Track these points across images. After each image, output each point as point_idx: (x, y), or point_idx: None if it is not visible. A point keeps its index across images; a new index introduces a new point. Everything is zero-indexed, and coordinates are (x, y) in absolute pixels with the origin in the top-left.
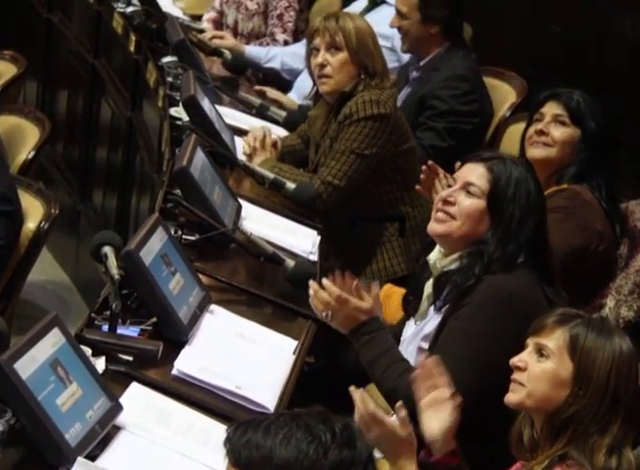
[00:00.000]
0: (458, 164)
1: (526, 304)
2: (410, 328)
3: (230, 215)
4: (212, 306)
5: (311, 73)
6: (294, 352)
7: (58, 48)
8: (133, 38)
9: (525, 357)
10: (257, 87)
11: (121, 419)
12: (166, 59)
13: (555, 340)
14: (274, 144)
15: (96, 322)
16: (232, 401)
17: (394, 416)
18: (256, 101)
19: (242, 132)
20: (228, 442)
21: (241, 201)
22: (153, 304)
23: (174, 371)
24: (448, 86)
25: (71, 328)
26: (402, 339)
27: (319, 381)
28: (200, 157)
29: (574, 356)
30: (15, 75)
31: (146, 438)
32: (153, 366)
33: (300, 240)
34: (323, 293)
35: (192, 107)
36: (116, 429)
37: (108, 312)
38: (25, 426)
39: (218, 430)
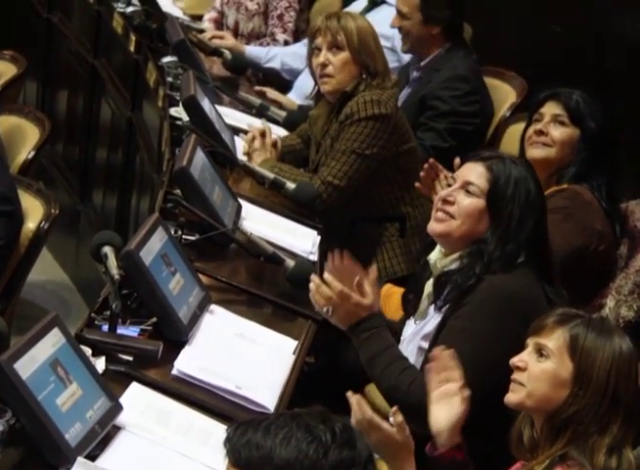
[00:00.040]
0: (457, 160)
1: (527, 303)
2: (410, 327)
3: (230, 215)
4: (212, 306)
5: (313, 73)
6: (294, 352)
7: (58, 48)
8: (133, 38)
9: (524, 357)
10: (257, 88)
11: (121, 419)
12: (166, 59)
13: (555, 340)
14: (274, 144)
15: (96, 322)
16: (232, 401)
17: (392, 417)
18: (256, 101)
19: (242, 132)
20: (228, 442)
21: (241, 201)
22: (153, 304)
23: (174, 371)
24: (449, 87)
25: (71, 328)
26: (402, 338)
27: (319, 381)
28: (200, 157)
29: (574, 356)
30: (15, 75)
31: (146, 438)
32: (153, 366)
33: (300, 240)
34: (325, 288)
35: (192, 107)
36: (116, 429)
37: (108, 312)
38: (25, 426)
39: (218, 430)
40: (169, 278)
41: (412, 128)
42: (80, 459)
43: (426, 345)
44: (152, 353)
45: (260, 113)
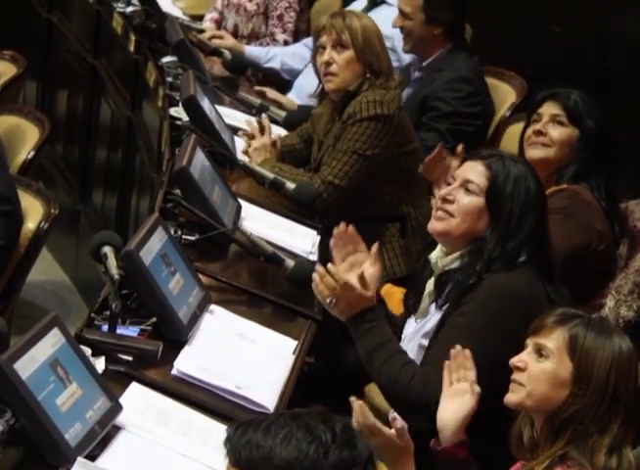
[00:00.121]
0: (460, 146)
1: (529, 302)
2: (411, 325)
3: (230, 215)
4: (212, 306)
5: (317, 71)
6: (294, 352)
7: (58, 48)
8: (133, 38)
9: (524, 357)
10: (257, 88)
11: (121, 419)
12: (166, 59)
13: (554, 340)
14: (274, 144)
15: (96, 322)
16: (232, 401)
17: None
18: (256, 101)
19: (241, 130)
20: (228, 442)
21: (241, 201)
22: (152, 304)
23: (174, 371)
24: (452, 88)
25: (71, 328)
26: (403, 336)
27: (319, 381)
28: (200, 157)
29: (574, 356)
30: (15, 75)
31: (146, 438)
32: (153, 366)
33: (300, 240)
34: (330, 278)
35: (192, 107)
36: (116, 429)
37: (107, 312)
38: (25, 426)
39: (218, 430)
40: (169, 278)
41: (413, 128)
42: (80, 459)
43: (426, 342)
44: (151, 353)
45: (260, 113)
